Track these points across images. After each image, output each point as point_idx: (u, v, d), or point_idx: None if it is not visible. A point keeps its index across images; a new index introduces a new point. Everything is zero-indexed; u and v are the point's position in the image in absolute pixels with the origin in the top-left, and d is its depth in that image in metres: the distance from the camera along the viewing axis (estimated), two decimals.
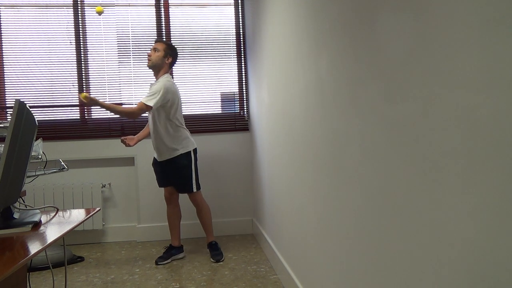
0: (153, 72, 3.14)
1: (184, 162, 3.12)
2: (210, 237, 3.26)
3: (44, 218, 1.59)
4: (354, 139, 1.40)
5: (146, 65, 3.88)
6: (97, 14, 2.91)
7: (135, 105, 2.95)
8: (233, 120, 3.89)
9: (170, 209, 3.25)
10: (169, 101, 3.02)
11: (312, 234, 1.94)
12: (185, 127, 3.18)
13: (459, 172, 0.86)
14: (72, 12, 3.74)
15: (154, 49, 3.08)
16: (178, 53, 3.84)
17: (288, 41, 2.24)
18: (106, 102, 2.88)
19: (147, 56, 3.10)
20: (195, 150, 3.18)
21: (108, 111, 2.91)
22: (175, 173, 3.13)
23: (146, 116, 3.59)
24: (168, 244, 3.56)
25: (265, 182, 3.19)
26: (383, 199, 1.20)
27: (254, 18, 3.36)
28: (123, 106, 3.04)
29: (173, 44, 3.29)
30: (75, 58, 3.75)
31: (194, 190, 3.15)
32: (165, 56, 3.09)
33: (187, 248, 3.45)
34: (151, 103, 2.92)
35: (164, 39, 3.23)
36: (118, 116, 3.34)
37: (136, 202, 3.77)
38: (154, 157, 3.24)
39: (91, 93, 3.79)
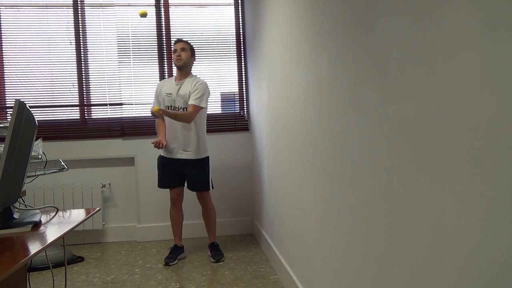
0: (179, 72, 3.18)
1: (205, 161, 3.19)
2: (212, 238, 3.27)
3: (44, 218, 1.59)
4: (353, 139, 1.40)
5: (145, 65, 3.89)
6: (141, 16, 3.06)
7: (189, 110, 3.02)
8: (233, 120, 3.89)
9: (175, 210, 3.24)
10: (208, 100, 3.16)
11: (312, 234, 1.94)
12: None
13: (459, 172, 0.86)
14: (72, 12, 3.74)
15: (183, 49, 3.14)
16: None
17: (288, 41, 2.24)
18: (171, 111, 3.04)
19: (176, 57, 3.12)
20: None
21: (170, 117, 3.05)
22: (195, 172, 3.15)
23: (151, 117, 3.57)
24: (167, 244, 3.57)
25: (265, 182, 3.19)
26: (382, 199, 1.20)
27: (254, 18, 3.36)
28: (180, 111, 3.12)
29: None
30: (75, 58, 3.75)
31: (211, 188, 3.22)
32: (192, 55, 3.20)
33: (187, 248, 3.45)
34: (204, 104, 3.06)
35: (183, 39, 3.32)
36: (148, 116, 3.39)
37: (136, 202, 3.77)
38: (163, 157, 3.19)
39: (91, 92, 3.79)
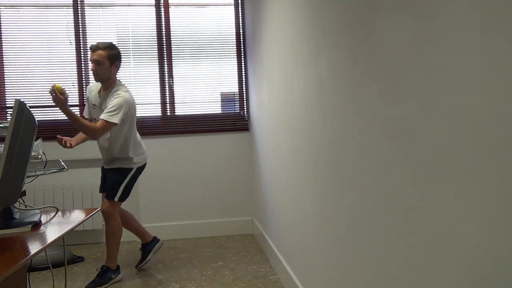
0: (103, 83, 2.77)
1: (120, 174, 2.83)
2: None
3: (44, 218, 1.59)
4: (353, 139, 1.40)
5: (145, 65, 3.81)
6: None
7: (97, 124, 2.60)
8: (233, 120, 3.89)
9: (121, 217, 2.93)
10: (129, 114, 2.72)
11: (312, 234, 1.94)
12: (138, 139, 2.92)
13: (458, 172, 0.86)
14: (72, 12, 3.74)
15: (97, 63, 2.67)
16: (178, 53, 3.85)
17: (288, 41, 2.24)
18: (71, 113, 2.55)
19: (92, 71, 2.71)
20: (140, 168, 2.90)
21: (70, 121, 2.59)
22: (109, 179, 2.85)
23: (151, 117, 3.55)
24: (168, 244, 3.56)
25: (265, 182, 3.19)
26: (383, 199, 1.20)
27: (254, 18, 3.36)
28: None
29: (114, 44, 2.80)
30: (75, 58, 3.74)
31: (116, 199, 2.78)
32: (111, 65, 2.70)
33: (187, 248, 3.45)
34: (115, 120, 2.59)
35: (101, 42, 2.71)
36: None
37: (136, 202, 3.77)
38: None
39: None
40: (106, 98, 2.73)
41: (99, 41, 2.74)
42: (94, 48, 2.69)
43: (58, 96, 2.45)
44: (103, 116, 2.59)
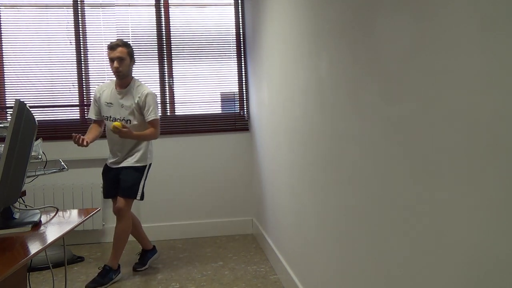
0: (119, 80, 2.83)
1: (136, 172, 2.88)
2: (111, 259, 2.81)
3: (44, 218, 1.59)
4: (353, 139, 1.40)
5: (145, 65, 3.80)
6: None
7: (151, 128, 2.80)
8: (233, 120, 3.89)
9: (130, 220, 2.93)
10: None
11: (312, 234, 1.94)
12: None
13: (458, 172, 0.86)
14: (72, 12, 3.74)
15: (121, 59, 2.73)
16: (178, 53, 3.86)
17: (288, 41, 2.24)
18: (136, 133, 2.74)
19: (114, 69, 2.74)
20: (150, 164, 2.97)
21: (137, 139, 2.82)
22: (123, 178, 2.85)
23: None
24: (167, 244, 3.56)
25: (265, 182, 3.19)
26: (383, 199, 1.20)
27: (254, 18, 3.36)
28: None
29: (128, 41, 2.91)
30: (75, 58, 3.74)
31: (138, 197, 2.86)
32: (131, 60, 2.82)
33: (187, 248, 3.45)
34: (158, 115, 2.85)
35: (117, 40, 2.83)
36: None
37: (136, 202, 3.76)
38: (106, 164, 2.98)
39: (91, 92, 3.78)
40: (129, 95, 2.82)
41: (112, 40, 2.83)
42: (114, 46, 2.75)
43: (124, 131, 2.65)
44: (150, 118, 2.80)
